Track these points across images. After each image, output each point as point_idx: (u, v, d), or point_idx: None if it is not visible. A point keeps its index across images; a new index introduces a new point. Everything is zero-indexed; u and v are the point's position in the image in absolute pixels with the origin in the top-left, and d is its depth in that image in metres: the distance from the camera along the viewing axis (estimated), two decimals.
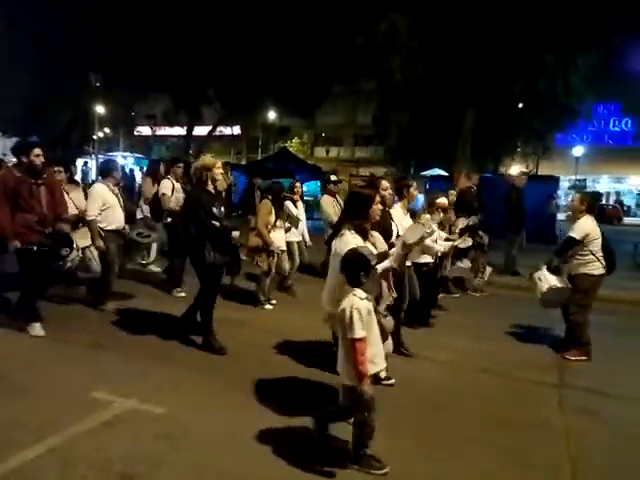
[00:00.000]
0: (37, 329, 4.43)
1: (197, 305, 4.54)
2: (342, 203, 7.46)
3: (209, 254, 4.19)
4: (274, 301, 6.03)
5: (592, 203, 4.84)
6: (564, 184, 25.66)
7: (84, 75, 19.11)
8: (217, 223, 4.24)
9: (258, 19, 17.37)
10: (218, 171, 4.38)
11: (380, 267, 3.13)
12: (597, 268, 4.61)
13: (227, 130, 30.54)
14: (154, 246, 5.81)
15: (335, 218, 6.98)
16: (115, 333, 4.73)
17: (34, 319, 4.46)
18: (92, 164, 26.19)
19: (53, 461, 2.63)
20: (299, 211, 6.59)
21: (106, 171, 5.40)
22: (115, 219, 5.21)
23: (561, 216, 17.59)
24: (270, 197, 5.82)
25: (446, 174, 14.76)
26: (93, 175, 21.75)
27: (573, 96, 12.45)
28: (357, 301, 2.58)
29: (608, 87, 17.96)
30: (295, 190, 6.51)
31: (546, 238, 12.79)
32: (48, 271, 4.45)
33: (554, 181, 15.39)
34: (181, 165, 6.58)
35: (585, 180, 27.60)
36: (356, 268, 2.64)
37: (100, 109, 24.06)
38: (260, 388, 3.67)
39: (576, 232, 4.64)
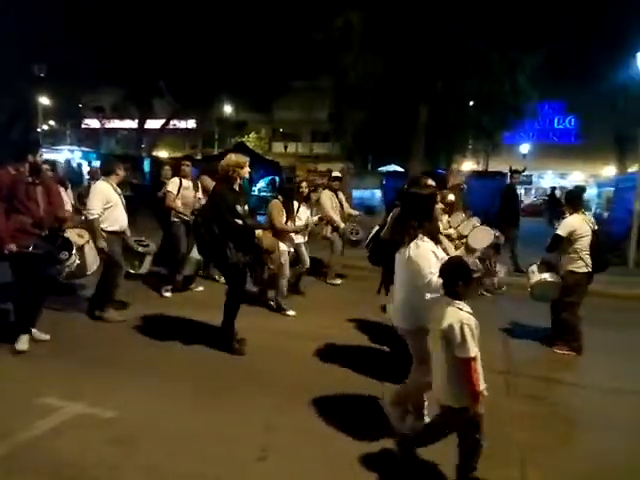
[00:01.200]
0: (22, 342, 4.04)
1: (226, 309, 4.36)
2: (342, 199, 7.38)
3: (231, 253, 4.09)
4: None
5: (573, 201, 4.89)
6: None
7: (26, 65, 18.06)
8: (240, 222, 4.13)
9: (214, 10, 17.02)
10: (247, 169, 4.31)
11: None
12: (581, 266, 4.61)
13: (181, 124, 29.80)
14: (149, 258, 5.44)
15: (332, 213, 6.96)
16: (64, 337, 4.53)
17: (23, 331, 4.08)
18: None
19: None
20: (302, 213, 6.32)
21: (109, 168, 5.08)
22: (118, 219, 4.92)
23: None
24: (280, 197, 5.63)
25: (402, 170, 15.11)
26: None
27: (519, 95, 13.03)
28: (466, 316, 2.39)
29: (553, 87, 18.88)
30: (300, 190, 6.12)
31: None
32: (45, 277, 4.09)
33: (502, 177, 16.07)
34: (189, 163, 6.40)
35: (532, 176, 28.96)
36: (456, 278, 2.46)
37: (45, 101, 22.85)
38: (212, 390, 3.65)
39: (561, 229, 4.70)
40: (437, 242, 2.98)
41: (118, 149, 30.80)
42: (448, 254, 3.03)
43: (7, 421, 2.96)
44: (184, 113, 26.56)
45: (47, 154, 22.17)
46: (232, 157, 4.32)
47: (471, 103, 14.18)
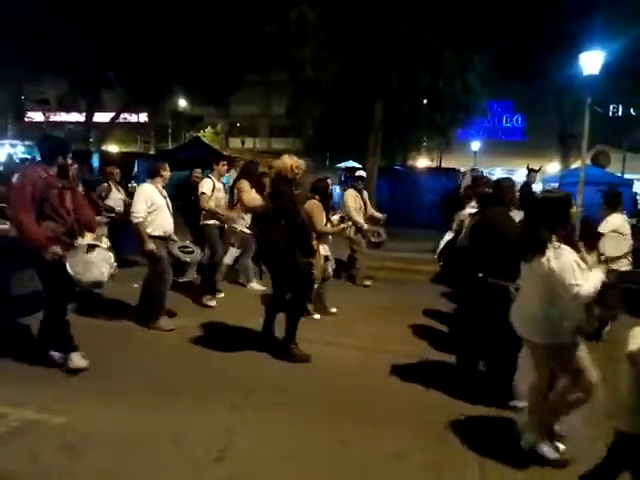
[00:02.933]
0: (77, 360, 3.68)
1: (291, 315, 4.22)
2: (366, 199, 7.17)
3: (300, 257, 4.00)
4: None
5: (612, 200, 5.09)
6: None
7: None
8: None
9: (165, 2, 16.49)
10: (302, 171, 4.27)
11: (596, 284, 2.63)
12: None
13: (132, 117, 28.73)
14: (194, 265, 5.27)
15: (355, 213, 6.77)
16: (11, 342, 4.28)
17: (70, 349, 3.71)
18: None
19: None
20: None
21: (155, 171, 4.83)
22: (162, 224, 4.69)
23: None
24: (317, 197, 5.35)
25: (359, 166, 15.24)
26: None
27: (470, 94, 13.44)
28: None
29: (501, 86, 19.61)
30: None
31: (449, 225, 13.78)
32: (74, 289, 3.79)
33: (455, 173, 16.58)
34: (225, 163, 6.15)
35: (482, 171, 30.06)
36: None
37: None
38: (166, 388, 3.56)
39: (605, 227, 4.91)
40: (577, 250, 2.77)
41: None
42: (586, 263, 2.78)
43: None
44: (135, 106, 25.58)
45: None
46: (290, 159, 4.23)
47: (425, 101, 14.50)
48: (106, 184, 6.83)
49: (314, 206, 5.32)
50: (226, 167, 6.14)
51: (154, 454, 2.74)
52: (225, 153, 24.25)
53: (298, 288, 4.23)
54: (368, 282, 7.06)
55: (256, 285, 6.40)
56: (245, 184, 5.79)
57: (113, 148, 27.65)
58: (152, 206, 4.61)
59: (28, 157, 19.46)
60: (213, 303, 5.61)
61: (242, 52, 18.58)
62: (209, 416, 3.18)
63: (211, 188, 5.77)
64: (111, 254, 3.80)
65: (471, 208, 4.63)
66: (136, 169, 16.06)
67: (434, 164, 26.74)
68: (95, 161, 17.23)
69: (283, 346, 4.19)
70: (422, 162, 26.33)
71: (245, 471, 2.66)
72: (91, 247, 3.68)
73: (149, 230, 4.59)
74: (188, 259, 5.12)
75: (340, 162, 21.39)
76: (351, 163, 20.43)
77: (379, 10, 11.64)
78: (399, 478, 2.72)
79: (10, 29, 16.04)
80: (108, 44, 17.59)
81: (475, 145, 27.09)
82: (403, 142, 18.56)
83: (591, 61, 8.89)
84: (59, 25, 16.35)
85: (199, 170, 7.21)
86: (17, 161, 17.95)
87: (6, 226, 4.98)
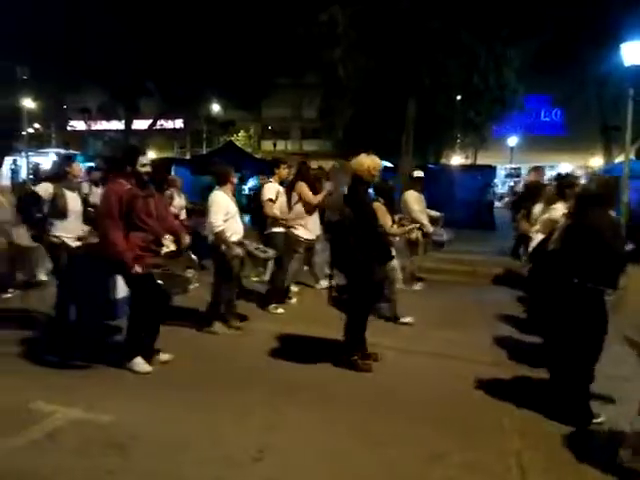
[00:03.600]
0: (141, 364, 3.80)
1: (352, 322, 4.08)
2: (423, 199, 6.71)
3: (377, 267, 3.85)
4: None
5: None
6: (500, 172, 27.07)
7: (10, 67, 17.79)
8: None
9: (199, 8, 16.87)
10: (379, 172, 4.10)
11: None
12: None
13: (169, 123, 29.56)
14: (270, 264, 5.17)
15: (421, 216, 6.38)
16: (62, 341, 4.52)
17: (138, 352, 3.83)
18: (22, 162, 24.45)
19: None
20: None
21: (224, 178, 4.78)
22: (236, 230, 4.72)
23: (498, 203, 18.59)
24: (382, 200, 5.19)
25: (392, 165, 15.10)
26: (23, 174, 20.36)
27: (505, 89, 13.11)
28: None
29: (538, 80, 18.99)
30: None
31: (485, 224, 13.50)
32: (166, 298, 3.89)
33: (491, 170, 16.18)
34: (287, 166, 5.85)
35: (520, 168, 29.16)
36: None
37: (29, 103, 22.55)
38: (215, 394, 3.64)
39: None
40: None
41: (106, 151, 30.47)
42: None
43: (2, 426, 2.94)
44: (172, 113, 26.34)
45: (33, 157, 21.97)
46: (367, 158, 4.00)
47: (459, 97, 14.24)
48: (169, 191, 6.75)
49: (379, 208, 5.12)
50: (287, 170, 5.86)
51: (196, 453, 2.80)
52: (257, 156, 24.63)
53: (366, 298, 4.06)
54: (418, 286, 6.76)
55: (326, 284, 6.19)
56: (304, 186, 5.74)
57: (151, 154, 28.53)
58: (227, 215, 4.61)
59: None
60: (280, 311, 5.55)
61: (273, 55, 18.77)
62: (250, 416, 3.24)
63: (275, 193, 5.51)
64: (194, 258, 3.88)
65: (558, 209, 4.38)
66: (173, 174, 16.48)
67: (469, 161, 26.17)
68: None
69: (345, 356, 4.01)
70: (456, 160, 25.83)
71: (283, 472, 2.68)
72: (176, 253, 3.76)
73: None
74: (264, 255, 5.02)
75: None
76: (383, 163, 20.27)
77: (410, 8, 11.52)
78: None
79: (53, 41, 16.84)
80: (145, 54, 18.18)
81: (512, 141, 26.33)
82: (436, 140, 18.26)
83: (633, 51, 8.57)
84: (99, 37, 17.03)
85: (264, 176, 7.04)
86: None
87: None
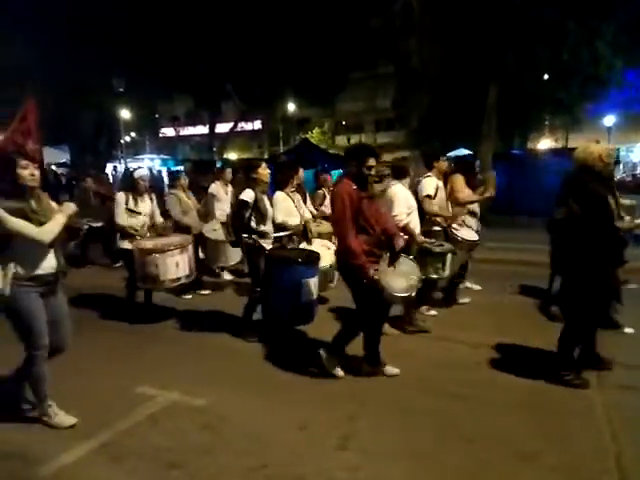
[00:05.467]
0: (390, 369, 3.76)
1: (573, 334, 3.62)
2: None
3: (614, 278, 3.49)
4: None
5: None
6: None
7: (107, 80, 19.57)
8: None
9: (271, 10, 17.33)
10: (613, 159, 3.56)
11: None
12: None
13: (248, 125, 30.77)
14: (449, 257, 4.67)
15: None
16: (162, 328, 4.96)
17: (378, 362, 3.79)
18: (121, 168, 26.86)
19: (104, 456, 2.80)
20: None
21: (403, 172, 4.65)
22: (417, 224, 4.57)
23: None
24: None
25: (472, 153, 14.46)
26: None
27: (600, 64, 11.90)
28: None
29: (637, 53, 17.07)
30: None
31: None
32: (387, 306, 3.77)
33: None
34: (445, 159, 5.38)
35: (618, 149, 26.45)
36: None
37: (125, 114, 24.65)
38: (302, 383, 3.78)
39: None
40: None
41: (192, 154, 32.51)
42: None
43: (107, 409, 3.27)
44: (250, 115, 27.39)
45: (131, 163, 24.04)
46: (596, 146, 3.54)
47: (546, 77, 13.21)
48: (320, 191, 6.66)
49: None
50: (447, 163, 5.34)
51: (283, 438, 2.94)
52: (331, 151, 24.81)
53: (598, 308, 3.59)
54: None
55: (470, 285, 5.91)
56: (460, 180, 5.38)
57: (232, 155, 29.95)
58: (409, 208, 4.44)
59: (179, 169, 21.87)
60: (433, 312, 5.20)
61: (347, 49, 18.76)
62: (333, 406, 3.32)
63: (435, 189, 4.96)
64: (414, 263, 3.67)
65: None
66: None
67: (559, 145, 24.22)
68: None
69: (560, 373, 3.58)
70: (545, 144, 24.04)
71: (366, 460, 2.72)
72: (396, 257, 3.53)
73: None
74: (440, 250, 4.65)
75: (450, 151, 20.53)
76: (463, 151, 19.47)
77: None
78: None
79: (144, 53, 18.25)
80: (225, 60, 19.06)
81: (609, 120, 23.96)
82: (522, 124, 17.11)
83: None
84: (184, 49, 18.18)
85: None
86: (155, 173, 20.39)
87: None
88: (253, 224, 4.43)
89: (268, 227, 4.54)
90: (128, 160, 24.90)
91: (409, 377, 3.74)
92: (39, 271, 2.85)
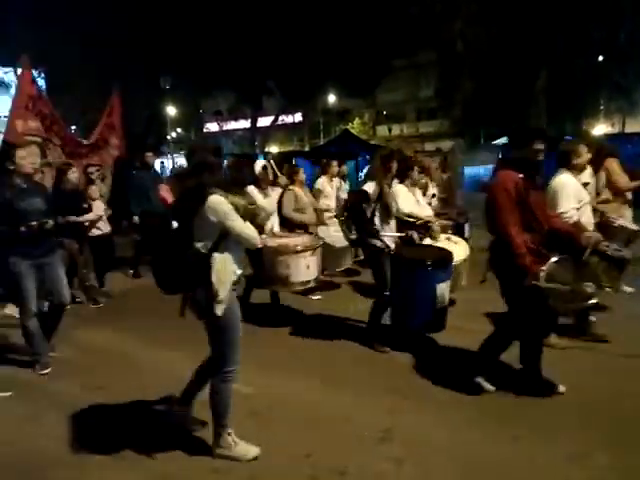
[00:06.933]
0: (486, 385, 3.35)
1: None
2: None
3: None
4: None
5: None
6: None
7: (154, 78, 20.25)
8: None
9: (310, 2, 17.31)
10: None
11: None
12: None
13: (289, 118, 30.96)
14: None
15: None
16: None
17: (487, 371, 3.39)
18: (168, 164, 27.84)
19: None
20: None
21: (568, 156, 3.83)
22: (590, 220, 3.94)
23: None
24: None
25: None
26: (168, 174, 23.17)
27: None
28: None
29: None
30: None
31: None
32: (554, 316, 3.35)
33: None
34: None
35: None
36: None
37: (171, 110, 25.43)
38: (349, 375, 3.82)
39: None
40: None
41: (235, 149, 33.15)
42: None
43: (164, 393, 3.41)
44: (291, 108, 27.56)
45: (178, 159, 24.85)
46: None
47: (600, 58, 12.49)
48: (423, 180, 6.13)
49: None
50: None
51: (328, 429, 3.00)
52: (372, 142, 24.57)
53: None
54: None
55: (627, 288, 5.10)
56: (616, 164, 4.88)
57: (274, 149, 30.29)
58: (581, 201, 3.80)
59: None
60: (593, 319, 4.22)
61: (387, 38, 18.47)
62: (376, 399, 3.35)
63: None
64: (589, 267, 3.20)
65: None
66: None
67: (616, 130, 22.86)
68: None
69: None
70: (600, 129, 22.76)
71: (409, 453, 2.73)
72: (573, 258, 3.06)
73: None
74: (618, 255, 3.56)
75: (496, 139, 19.84)
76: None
77: None
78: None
79: (189, 51, 18.74)
80: (266, 55, 19.26)
81: None
82: (574, 109, 16.30)
83: None
84: (227, 44, 18.51)
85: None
86: None
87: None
88: (376, 220, 4.00)
89: (393, 224, 4.13)
90: (175, 156, 25.70)
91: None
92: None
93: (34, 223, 3.62)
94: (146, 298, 5.20)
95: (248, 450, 2.71)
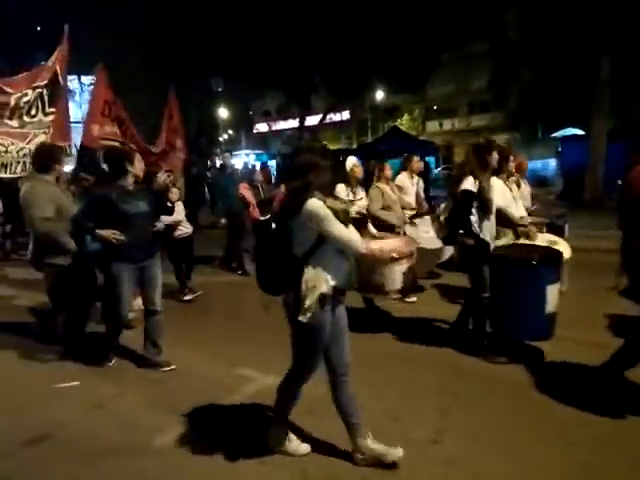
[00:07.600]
0: None
1: None
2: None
3: None
4: None
5: None
6: None
7: (205, 81, 20.90)
8: None
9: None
10: None
11: None
12: None
13: (336, 116, 31.01)
14: None
15: None
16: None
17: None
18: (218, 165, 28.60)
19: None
20: None
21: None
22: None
23: None
24: None
25: (582, 133, 13.12)
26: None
27: None
28: None
29: None
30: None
31: None
32: None
33: None
34: None
35: None
36: None
37: (223, 112, 26.17)
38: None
39: None
40: None
41: (284, 148, 33.66)
42: None
43: (212, 389, 3.55)
44: (339, 105, 27.58)
45: (227, 160, 25.52)
46: None
47: None
48: (514, 177, 5.29)
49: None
50: None
51: (377, 429, 2.88)
52: (421, 138, 24.08)
53: None
54: None
55: None
56: None
57: None
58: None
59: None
60: None
61: (435, 31, 18.02)
62: (425, 399, 3.30)
63: None
64: None
65: None
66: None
67: None
68: None
69: None
70: None
71: (460, 455, 2.68)
72: None
73: None
74: None
75: (555, 131, 18.85)
76: (570, 131, 17.78)
77: None
78: None
79: (238, 53, 19.18)
80: (313, 54, 19.37)
81: None
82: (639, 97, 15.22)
83: None
84: (275, 45, 18.79)
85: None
86: (250, 167, 21.46)
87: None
88: (474, 218, 3.74)
89: (492, 221, 3.84)
90: (225, 156, 26.36)
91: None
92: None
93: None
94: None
95: (298, 447, 2.76)
